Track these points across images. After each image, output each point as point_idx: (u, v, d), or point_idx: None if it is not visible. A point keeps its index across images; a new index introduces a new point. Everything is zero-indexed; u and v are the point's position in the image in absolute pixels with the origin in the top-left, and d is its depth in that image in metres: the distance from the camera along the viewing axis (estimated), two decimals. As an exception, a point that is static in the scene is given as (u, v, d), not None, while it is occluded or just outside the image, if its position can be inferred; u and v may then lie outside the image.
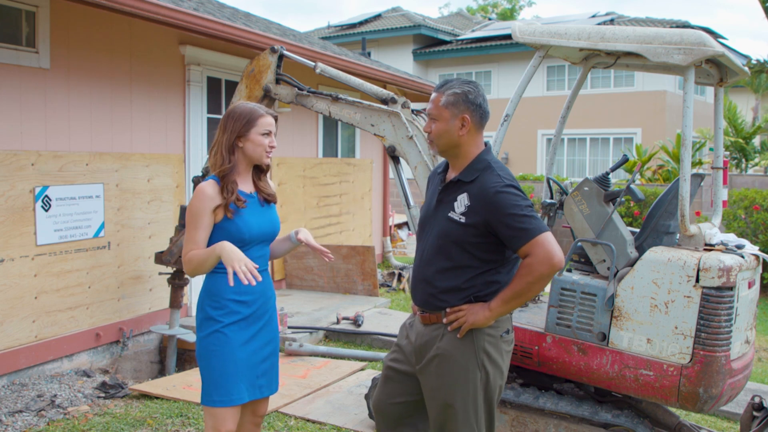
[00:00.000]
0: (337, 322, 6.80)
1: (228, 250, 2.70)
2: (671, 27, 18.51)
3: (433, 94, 2.75)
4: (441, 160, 4.42)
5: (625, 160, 4.13)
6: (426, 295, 2.76)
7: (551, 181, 4.50)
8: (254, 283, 2.64)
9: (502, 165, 2.76)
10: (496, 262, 2.68)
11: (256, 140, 2.86)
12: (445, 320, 2.69)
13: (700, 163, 14.88)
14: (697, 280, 3.39)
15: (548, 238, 2.54)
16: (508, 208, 2.56)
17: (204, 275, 2.88)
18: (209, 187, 2.81)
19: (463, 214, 2.64)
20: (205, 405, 2.85)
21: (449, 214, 2.68)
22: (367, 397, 4.45)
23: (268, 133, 2.88)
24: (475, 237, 2.63)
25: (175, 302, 5.82)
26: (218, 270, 2.84)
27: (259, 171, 2.99)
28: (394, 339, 6.45)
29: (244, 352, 2.84)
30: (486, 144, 2.82)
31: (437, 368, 2.70)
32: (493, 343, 2.69)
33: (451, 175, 2.78)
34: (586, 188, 3.89)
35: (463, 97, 2.68)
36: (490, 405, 2.72)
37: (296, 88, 4.87)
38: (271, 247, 3.10)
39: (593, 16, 22.01)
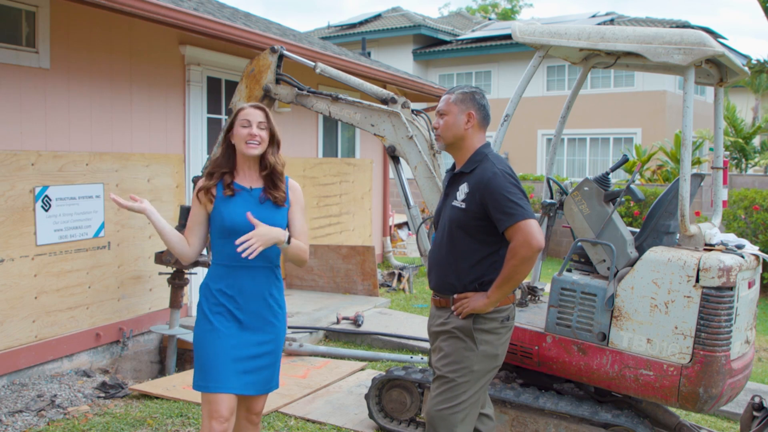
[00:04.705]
0: (337, 322, 6.81)
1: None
2: (671, 27, 18.51)
3: (444, 96, 3.11)
4: (442, 160, 4.46)
5: (625, 160, 4.13)
6: (438, 277, 3.08)
7: (551, 181, 4.49)
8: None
9: (500, 157, 3.05)
10: (498, 244, 2.94)
11: (238, 132, 3.00)
12: (453, 307, 3.00)
13: (699, 161, 14.88)
14: (697, 280, 3.39)
15: (529, 224, 2.81)
16: (498, 193, 2.86)
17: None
18: (198, 180, 3.10)
19: (463, 200, 2.96)
20: (194, 389, 2.97)
21: (453, 203, 3.02)
22: (367, 396, 4.44)
23: (248, 125, 2.98)
24: (475, 220, 2.93)
25: (175, 302, 5.82)
26: (213, 262, 3.02)
27: (273, 173, 3.05)
28: (394, 339, 6.47)
29: (229, 342, 2.92)
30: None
31: (441, 344, 3.03)
32: (491, 327, 2.98)
33: (456, 170, 3.11)
34: (586, 188, 3.89)
35: (470, 97, 3.04)
36: (481, 383, 2.99)
37: (296, 88, 4.87)
38: None
39: (593, 16, 21.99)
